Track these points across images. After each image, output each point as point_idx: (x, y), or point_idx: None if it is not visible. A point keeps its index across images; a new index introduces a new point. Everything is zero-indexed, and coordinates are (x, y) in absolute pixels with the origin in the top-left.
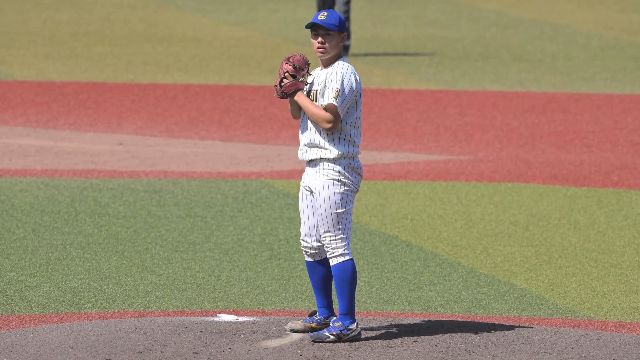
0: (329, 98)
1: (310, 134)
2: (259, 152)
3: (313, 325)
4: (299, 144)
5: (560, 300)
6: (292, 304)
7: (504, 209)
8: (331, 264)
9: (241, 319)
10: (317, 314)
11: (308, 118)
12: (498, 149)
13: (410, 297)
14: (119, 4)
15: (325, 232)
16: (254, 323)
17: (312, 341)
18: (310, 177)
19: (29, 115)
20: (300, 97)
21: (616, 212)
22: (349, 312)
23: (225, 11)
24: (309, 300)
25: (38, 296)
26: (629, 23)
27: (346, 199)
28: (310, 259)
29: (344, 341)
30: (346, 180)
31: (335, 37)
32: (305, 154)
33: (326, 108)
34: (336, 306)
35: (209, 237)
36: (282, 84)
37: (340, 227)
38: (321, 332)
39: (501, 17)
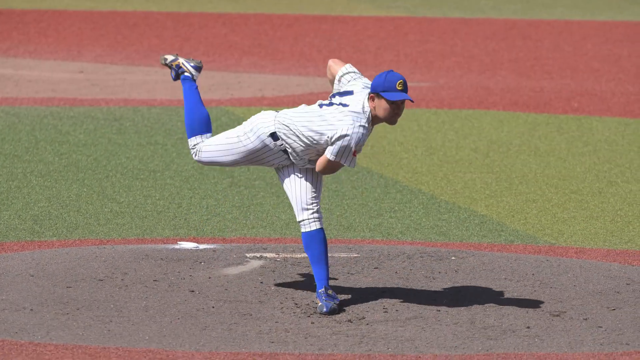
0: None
1: None
2: (219, 79)
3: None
4: (259, 72)
5: (520, 226)
6: (253, 232)
7: (465, 135)
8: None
9: (201, 246)
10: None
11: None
12: (458, 75)
13: (371, 224)
14: None
15: None
16: (214, 250)
17: None
18: None
19: None
20: None
21: (577, 138)
22: None
23: None
24: (269, 227)
25: None
26: None
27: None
28: (319, 226)
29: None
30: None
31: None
32: None
33: None
34: None
35: (170, 164)
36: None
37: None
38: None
39: None
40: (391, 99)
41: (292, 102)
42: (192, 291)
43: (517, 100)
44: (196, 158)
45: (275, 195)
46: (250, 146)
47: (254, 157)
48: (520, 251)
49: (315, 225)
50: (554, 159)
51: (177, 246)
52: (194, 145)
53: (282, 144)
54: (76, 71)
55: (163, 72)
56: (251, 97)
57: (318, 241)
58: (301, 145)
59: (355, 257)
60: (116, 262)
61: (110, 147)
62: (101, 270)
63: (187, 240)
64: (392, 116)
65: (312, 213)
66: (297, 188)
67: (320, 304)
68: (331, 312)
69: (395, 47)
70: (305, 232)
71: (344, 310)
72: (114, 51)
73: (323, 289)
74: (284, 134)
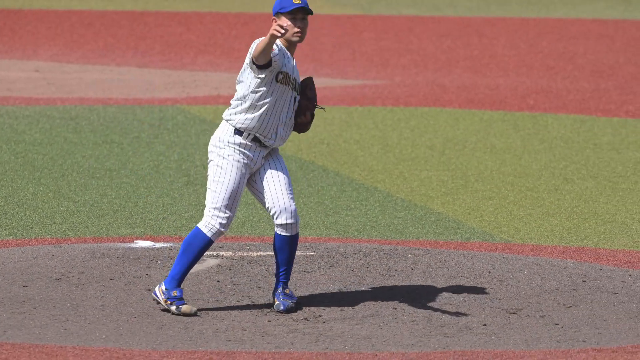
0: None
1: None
2: (175, 78)
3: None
4: (214, 70)
5: (476, 224)
6: None
7: (420, 133)
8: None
9: (158, 245)
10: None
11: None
12: (414, 73)
13: (327, 222)
14: None
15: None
16: (170, 249)
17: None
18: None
19: None
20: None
21: (532, 135)
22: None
23: None
24: None
25: None
26: None
27: None
28: (298, 230)
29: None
30: None
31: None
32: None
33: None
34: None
35: (126, 163)
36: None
37: None
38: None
39: None
40: (286, 10)
41: None
42: (149, 290)
43: (473, 98)
44: (225, 220)
45: None
46: (232, 157)
47: (245, 162)
48: (476, 249)
49: (295, 230)
50: (509, 156)
51: (133, 245)
52: (210, 224)
53: (248, 134)
54: (32, 70)
55: (118, 70)
56: (207, 95)
57: (292, 245)
58: (255, 112)
59: (312, 255)
60: (72, 261)
61: (66, 146)
62: (57, 269)
63: (143, 239)
64: (296, 32)
65: (293, 216)
66: (275, 190)
67: (277, 302)
68: (288, 310)
69: (351, 45)
70: (285, 235)
71: (301, 309)
72: (70, 50)
73: (281, 288)
74: (243, 118)
